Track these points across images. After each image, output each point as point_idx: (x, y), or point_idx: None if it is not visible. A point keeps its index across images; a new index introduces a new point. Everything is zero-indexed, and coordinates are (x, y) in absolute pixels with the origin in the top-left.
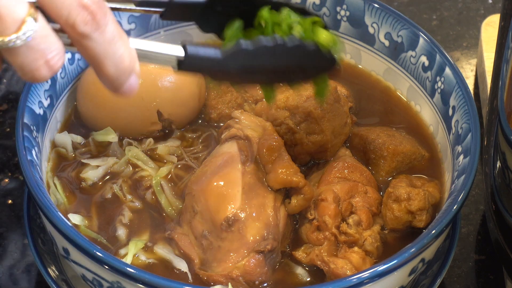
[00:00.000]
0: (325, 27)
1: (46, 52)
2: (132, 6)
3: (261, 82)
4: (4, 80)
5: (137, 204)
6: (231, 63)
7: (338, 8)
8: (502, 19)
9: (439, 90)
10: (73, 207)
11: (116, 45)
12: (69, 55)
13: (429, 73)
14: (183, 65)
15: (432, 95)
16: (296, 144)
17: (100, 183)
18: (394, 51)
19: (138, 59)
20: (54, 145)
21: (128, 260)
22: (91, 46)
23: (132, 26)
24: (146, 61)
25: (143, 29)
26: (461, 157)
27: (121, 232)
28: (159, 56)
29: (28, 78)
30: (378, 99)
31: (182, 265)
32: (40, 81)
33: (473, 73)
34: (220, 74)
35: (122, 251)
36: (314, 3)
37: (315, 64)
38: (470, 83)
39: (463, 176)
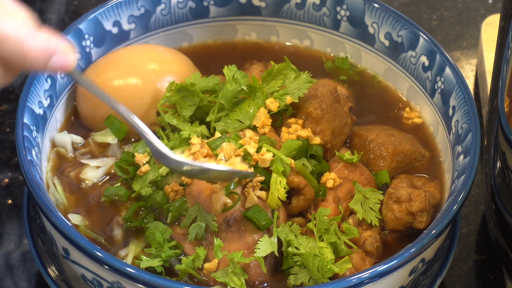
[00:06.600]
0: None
1: None
2: None
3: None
4: None
5: None
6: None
7: (338, 8)
8: (502, 19)
9: (439, 90)
10: (73, 207)
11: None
12: None
13: (429, 73)
14: None
15: (432, 95)
16: None
17: (100, 184)
18: (394, 51)
19: None
20: (54, 145)
21: (128, 261)
22: None
23: (132, 26)
24: None
25: (143, 29)
26: (461, 157)
27: (117, 233)
28: None
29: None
30: (378, 99)
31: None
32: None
33: (473, 73)
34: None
35: (122, 252)
36: (314, 3)
37: None
38: (470, 83)
39: (463, 176)
